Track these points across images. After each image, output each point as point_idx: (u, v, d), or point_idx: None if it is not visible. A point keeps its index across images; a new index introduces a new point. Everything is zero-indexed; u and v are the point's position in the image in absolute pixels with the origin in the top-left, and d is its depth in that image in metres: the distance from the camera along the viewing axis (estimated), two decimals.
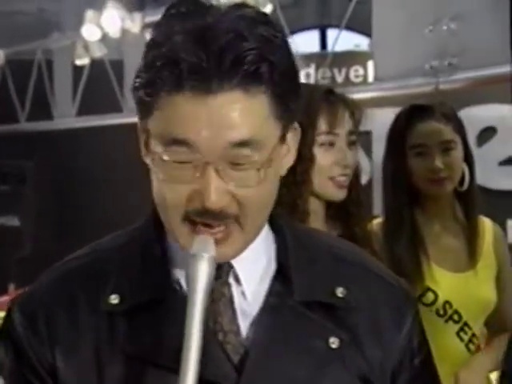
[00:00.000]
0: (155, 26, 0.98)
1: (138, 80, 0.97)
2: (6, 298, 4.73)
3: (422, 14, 3.77)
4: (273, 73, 0.94)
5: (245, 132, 0.94)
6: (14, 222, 6.43)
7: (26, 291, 1.10)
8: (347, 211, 1.86)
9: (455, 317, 2.06)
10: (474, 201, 2.15)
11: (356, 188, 1.87)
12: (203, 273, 0.92)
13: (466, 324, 2.07)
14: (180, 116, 0.93)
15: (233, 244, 0.99)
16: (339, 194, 1.81)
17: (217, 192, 0.94)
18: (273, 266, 1.06)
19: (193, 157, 0.94)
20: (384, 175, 2.16)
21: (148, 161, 1.00)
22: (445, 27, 3.68)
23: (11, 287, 5.94)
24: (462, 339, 2.08)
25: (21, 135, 6.74)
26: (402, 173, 2.10)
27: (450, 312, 2.06)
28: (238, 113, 0.93)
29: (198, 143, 0.93)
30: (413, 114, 2.12)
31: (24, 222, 6.39)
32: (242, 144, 0.94)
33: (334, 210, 1.86)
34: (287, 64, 0.97)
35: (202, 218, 0.96)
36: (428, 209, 2.13)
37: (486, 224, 2.19)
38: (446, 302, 2.06)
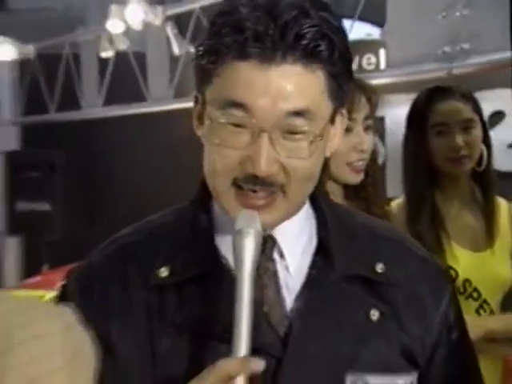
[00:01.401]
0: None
1: (201, 48, 0.96)
2: (38, 279, 4.72)
3: (435, 1, 3.69)
4: (332, 52, 0.95)
5: (300, 102, 0.94)
6: (45, 207, 6.42)
7: (80, 265, 1.08)
8: (364, 191, 1.83)
9: (474, 294, 2.01)
10: (492, 181, 2.10)
11: (373, 170, 1.85)
12: (250, 249, 0.91)
13: (485, 301, 2.02)
14: (241, 81, 0.93)
15: (275, 211, 0.97)
16: (356, 179, 1.79)
17: (268, 160, 0.93)
18: (314, 243, 1.04)
19: (249, 121, 0.94)
20: (405, 155, 2.10)
21: (199, 133, 1.00)
22: (457, 13, 3.59)
23: (45, 268, 5.94)
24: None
25: (50, 125, 6.73)
26: (423, 152, 2.04)
27: (469, 290, 2.01)
28: (296, 85, 0.93)
29: (254, 108, 0.93)
30: (433, 95, 2.07)
31: (54, 207, 6.38)
32: (297, 113, 0.94)
33: (351, 190, 1.83)
34: (344, 46, 0.97)
35: (249, 184, 0.95)
36: (447, 189, 2.07)
37: (502, 204, 2.14)
38: (466, 279, 2.00)
